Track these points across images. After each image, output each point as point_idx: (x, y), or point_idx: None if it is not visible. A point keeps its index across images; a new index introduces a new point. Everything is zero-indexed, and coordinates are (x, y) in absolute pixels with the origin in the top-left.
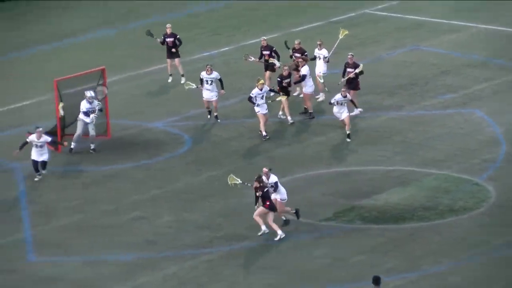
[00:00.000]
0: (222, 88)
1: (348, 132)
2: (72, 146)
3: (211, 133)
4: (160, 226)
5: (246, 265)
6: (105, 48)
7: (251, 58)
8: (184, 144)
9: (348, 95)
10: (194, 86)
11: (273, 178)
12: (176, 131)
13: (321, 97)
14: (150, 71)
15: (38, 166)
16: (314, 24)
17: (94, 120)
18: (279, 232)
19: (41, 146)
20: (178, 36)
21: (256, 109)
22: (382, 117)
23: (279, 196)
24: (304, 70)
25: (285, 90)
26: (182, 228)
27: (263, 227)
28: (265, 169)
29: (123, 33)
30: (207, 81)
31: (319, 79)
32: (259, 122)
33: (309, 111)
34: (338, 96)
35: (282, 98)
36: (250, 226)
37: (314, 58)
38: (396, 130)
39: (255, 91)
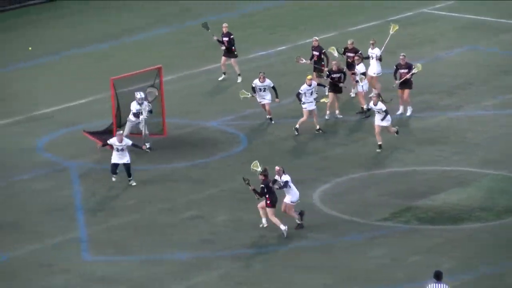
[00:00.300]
0: (277, 97)
1: (379, 142)
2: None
3: (266, 133)
4: (216, 225)
5: (302, 265)
6: (161, 47)
7: (302, 60)
8: (239, 143)
9: (380, 103)
10: (249, 95)
11: (285, 178)
12: (231, 130)
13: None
14: (205, 70)
15: (116, 168)
16: (371, 23)
17: (144, 122)
18: (282, 227)
19: (122, 150)
20: (232, 36)
21: (303, 105)
22: (440, 117)
23: (289, 197)
24: (361, 68)
25: (335, 85)
26: (238, 228)
27: (264, 220)
28: (277, 168)
29: (178, 32)
30: (260, 88)
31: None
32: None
33: (365, 110)
34: (371, 104)
35: (325, 100)
36: (306, 227)
37: (368, 58)
38: (454, 130)
39: (303, 87)
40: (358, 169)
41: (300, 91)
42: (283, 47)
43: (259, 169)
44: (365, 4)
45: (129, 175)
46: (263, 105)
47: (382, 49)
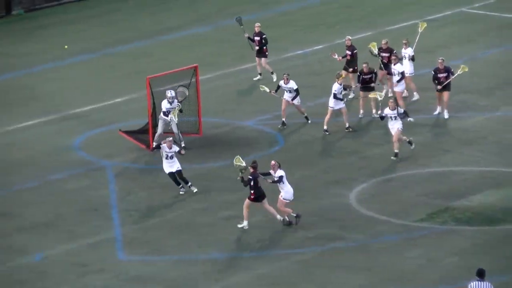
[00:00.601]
0: (294, 98)
1: (396, 151)
2: (153, 145)
3: (303, 132)
4: (251, 225)
5: (338, 266)
6: (198, 45)
7: (335, 55)
8: (276, 143)
9: (398, 108)
10: (267, 90)
11: (280, 173)
12: (268, 129)
13: (415, 96)
14: (242, 69)
15: (176, 178)
16: (409, 23)
17: (175, 120)
18: (278, 216)
19: (171, 157)
20: (264, 36)
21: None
22: (477, 117)
23: (283, 193)
24: (399, 67)
25: (366, 86)
26: (275, 228)
27: (245, 222)
28: (272, 162)
29: (215, 31)
30: (285, 90)
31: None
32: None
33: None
34: (387, 110)
35: (378, 96)
36: (343, 227)
37: (401, 59)
38: (492, 130)
39: (336, 87)
40: (395, 169)
41: (334, 92)
42: (321, 46)
43: (243, 164)
44: (404, 3)
45: (185, 181)
46: (296, 106)
47: (413, 48)
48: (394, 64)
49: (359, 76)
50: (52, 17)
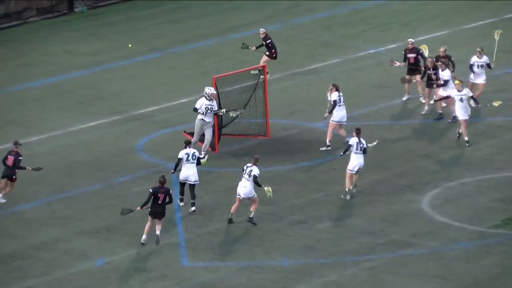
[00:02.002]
0: (327, 112)
1: (466, 138)
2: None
3: (375, 135)
4: (320, 231)
5: (410, 273)
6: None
7: (396, 64)
8: (346, 146)
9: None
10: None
11: (255, 171)
12: (338, 132)
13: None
14: (312, 69)
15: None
16: (487, 21)
17: (212, 121)
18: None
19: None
20: (269, 41)
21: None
22: None
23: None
24: (446, 74)
25: (430, 82)
26: (343, 234)
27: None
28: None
29: (285, 29)
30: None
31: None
32: None
33: (453, 115)
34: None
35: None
36: (415, 233)
37: (471, 67)
38: None
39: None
40: (471, 173)
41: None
42: (394, 45)
43: (270, 194)
44: (483, 1)
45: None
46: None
47: (494, 59)
48: (442, 70)
49: (424, 71)
50: (116, 15)
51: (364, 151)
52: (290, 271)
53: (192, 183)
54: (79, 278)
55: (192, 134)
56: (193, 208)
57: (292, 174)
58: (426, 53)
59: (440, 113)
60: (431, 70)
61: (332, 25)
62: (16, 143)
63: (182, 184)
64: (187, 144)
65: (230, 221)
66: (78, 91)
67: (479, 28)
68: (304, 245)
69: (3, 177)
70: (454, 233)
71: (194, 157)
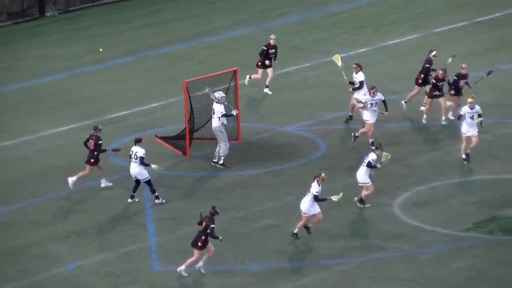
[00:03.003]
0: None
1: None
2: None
3: (347, 138)
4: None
5: (381, 277)
6: (238, 48)
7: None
8: (318, 149)
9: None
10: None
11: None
12: (309, 135)
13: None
14: (283, 73)
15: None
16: (457, 25)
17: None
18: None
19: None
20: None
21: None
22: None
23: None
24: (360, 76)
25: (434, 93)
26: (315, 238)
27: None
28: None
29: (256, 33)
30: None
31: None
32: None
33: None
34: (465, 108)
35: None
36: (386, 237)
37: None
38: None
39: (465, 109)
40: (441, 177)
41: (461, 113)
42: (365, 49)
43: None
44: (457, 4)
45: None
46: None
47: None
48: (356, 73)
49: (434, 83)
50: (88, 19)
51: (368, 165)
52: (262, 275)
53: (141, 180)
54: (51, 283)
55: (163, 138)
56: (157, 201)
57: (264, 178)
58: (339, 64)
59: (350, 115)
60: (441, 81)
61: (304, 29)
62: (96, 128)
63: (135, 181)
64: (136, 141)
65: (296, 236)
66: (50, 96)
67: (451, 32)
68: (276, 249)
69: (87, 162)
70: (426, 237)
71: (136, 156)
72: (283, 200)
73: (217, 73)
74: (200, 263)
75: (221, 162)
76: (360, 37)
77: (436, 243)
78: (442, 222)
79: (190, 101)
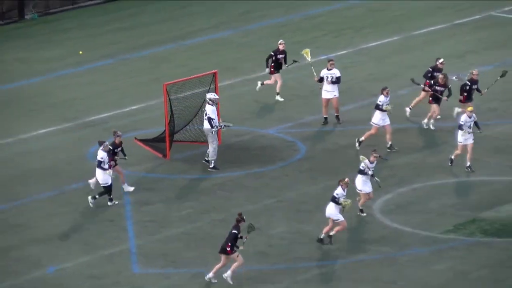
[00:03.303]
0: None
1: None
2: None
3: (327, 141)
4: (273, 237)
5: (362, 279)
6: (219, 51)
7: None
8: (298, 152)
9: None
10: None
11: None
12: (290, 138)
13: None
14: (264, 76)
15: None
16: (437, 27)
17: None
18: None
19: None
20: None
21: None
22: (508, 125)
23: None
24: (323, 72)
25: (437, 97)
26: (296, 240)
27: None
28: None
29: (237, 35)
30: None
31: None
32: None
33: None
34: (464, 117)
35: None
36: (367, 239)
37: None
38: None
39: (464, 118)
40: (421, 179)
41: (461, 122)
42: (345, 51)
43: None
44: (436, 7)
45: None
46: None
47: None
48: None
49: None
50: (68, 22)
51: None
52: (242, 277)
53: (100, 183)
54: (32, 286)
55: (143, 141)
56: (110, 203)
57: (245, 180)
58: (308, 59)
59: (325, 117)
60: (441, 87)
61: (285, 32)
62: (115, 133)
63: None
64: (98, 143)
65: (321, 241)
66: (30, 99)
67: (431, 34)
68: (257, 251)
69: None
70: (406, 239)
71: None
72: (264, 202)
73: (197, 75)
74: (228, 272)
75: (212, 165)
76: (340, 39)
77: (416, 245)
78: (422, 224)
79: (170, 103)
